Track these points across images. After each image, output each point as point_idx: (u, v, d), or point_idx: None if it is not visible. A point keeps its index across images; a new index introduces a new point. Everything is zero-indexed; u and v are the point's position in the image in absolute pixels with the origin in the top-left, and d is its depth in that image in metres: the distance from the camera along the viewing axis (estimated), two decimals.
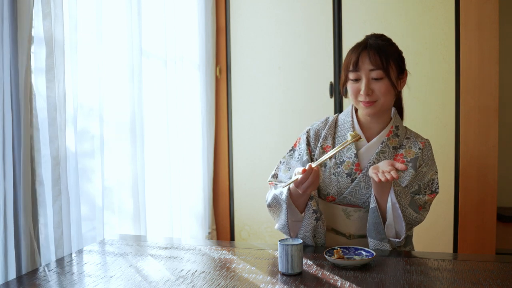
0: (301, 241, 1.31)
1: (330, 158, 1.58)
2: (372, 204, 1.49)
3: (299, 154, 1.64)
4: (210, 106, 2.84)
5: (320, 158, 1.50)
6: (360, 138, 1.50)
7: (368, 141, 1.58)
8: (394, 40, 2.72)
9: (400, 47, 2.68)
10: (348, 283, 1.22)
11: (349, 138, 1.51)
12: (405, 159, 1.54)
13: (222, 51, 2.93)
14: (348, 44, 2.70)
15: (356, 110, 1.63)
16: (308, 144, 1.63)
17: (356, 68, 1.50)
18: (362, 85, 1.50)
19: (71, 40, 1.65)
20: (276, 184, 1.62)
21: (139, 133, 2.10)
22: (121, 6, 2.01)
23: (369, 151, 1.57)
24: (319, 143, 1.62)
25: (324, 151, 1.61)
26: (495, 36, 2.48)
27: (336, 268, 1.34)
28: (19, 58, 1.36)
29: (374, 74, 1.49)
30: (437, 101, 2.61)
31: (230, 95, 2.93)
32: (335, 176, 1.57)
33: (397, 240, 1.49)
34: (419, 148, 1.56)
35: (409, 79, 2.62)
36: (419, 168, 1.55)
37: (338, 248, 1.40)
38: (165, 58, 2.40)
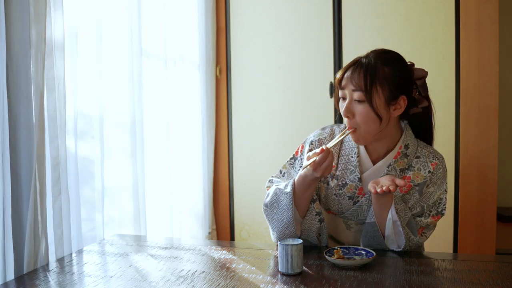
0: (301, 241, 1.31)
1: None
2: (371, 219, 1.44)
3: (301, 166, 1.54)
4: (210, 106, 2.84)
5: (330, 142, 1.40)
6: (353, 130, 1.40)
7: (374, 163, 1.47)
8: (394, 40, 2.73)
9: (400, 47, 2.68)
10: (348, 283, 1.22)
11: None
12: (412, 183, 1.44)
13: (222, 51, 2.93)
14: (348, 44, 2.71)
15: None
16: None
17: (341, 86, 1.41)
18: (345, 105, 1.39)
19: (71, 40, 1.65)
20: (277, 183, 1.55)
21: (139, 133, 2.10)
22: (121, 6, 2.01)
23: (374, 175, 1.46)
24: None
25: None
26: (495, 36, 2.48)
27: (336, 268, 1.34)
28: (20, 58, 1.36)
29: (356, 95, 1.37)
30: (437, 101, 2.59)
31: (230, 95, 2.93)
32: (336, 197, 1.50)
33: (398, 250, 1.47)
34: (429, 171, 1.45)
35: None
36: (426, 189, 1.46)
37: (338, 248, 1.40)
38: (165, 58, 2.40)
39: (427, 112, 1.52)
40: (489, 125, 2.52)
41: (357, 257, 1.39)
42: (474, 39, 2.52)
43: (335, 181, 1.50)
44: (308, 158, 1.35)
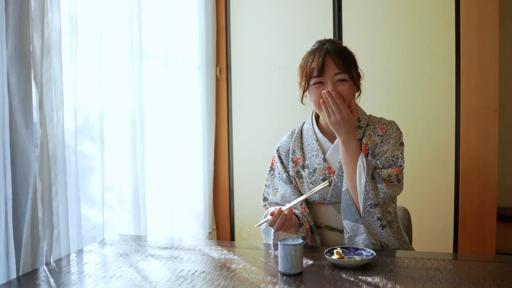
0: (301, 241, 1.31)
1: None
2: (344, 186, 1.54)
3: (279, 173, 1.69)
4: (210, 106, 2.84)
5: (293, 201, 1.54)
6: (327, 183, 1.53)
7: (332, 142, 1.62)
8: (394, 40, 2.75)
9: (400, 47, 2.70)
10: (348, 283, 1.22)
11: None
12: (367, 147, 1.58)
13: (222, 51, 2.93)
14: (348, 44, 2.69)
15: (317, 117, 1.68)
16: (281, 162, 1.69)
17: (321, 73, 1.54)
18: (329, 88, 1.52)
19: (71, 39, 1.65)
20: (272, 205, 1.69)
21: (139, 133, 2.10)
22: (121, 6, 2.01)
23: (335, 152, 1.61)
24: (290, 158, 1.67)
25: (295, 163, 1.66)
26: (495, 36, 2.48)
27: (336, 268, 1.34)
28: (21, 58, 1.36)
29: (339, 77, 1.54)
30: (437, 101, 2.61)
31: (230, 95, 2.93)
32: (313, 184, 1.62)
33: (368, 208, 1.50)
34: (378, 135, 1.60)
35: (410, 78, 2.63)
36: (378, 149, 1.58)
37: (338, 248, 1.40)
38: (165, 58, 2.40)
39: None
40: (489, 125, 2.52)
41: (357, 257, 1.39)
42: (474, 39, 2.52)
43: (306, 170, 1.63)
44: (269, 214, 1.49)
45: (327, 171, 1.60)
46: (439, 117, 2.61)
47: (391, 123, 1.63)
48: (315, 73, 1.54)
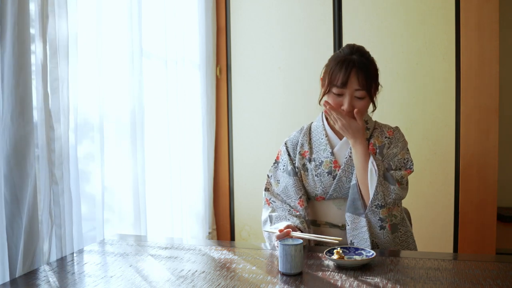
0: (301, 241, 1.31)
1: (312, 160, 1.68)
2: (353, 181, 1.59)
3: (283, 166, 1.74)
4: (210, 106, 2.84)
5: (303, 235, 1.51)
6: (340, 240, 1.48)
7: (341, 139, 1.69)
8: (394, 40, 2.75)
9: (400, 47, 2.70)
10: (348, 283, 1.22)
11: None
12: (374, 147, 1.65)
13: (222, 51, 2.93)
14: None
15: (327, 117, 1.71)
16: (288, 154, 1.74)
17: (344, 86, 1.58)
18: (346, 101, 1.59)
19: (72, 40, 1.65)
20: (273, 203, 1.72)
21: (139, 133, 2.10)
22: (121, 6, 2.01)
23: (344, 148, 1.67)
24: (297, 151, 1.72)
25: (302, 156, 1.71)
26: (495, 36, 2.48)
27: (336, 268, 1.34)
28: (20, 58, 1.36)
29: (358, 94, 1.58)
30: (437, 101, 2.61)
31: (230, 95, 2.93)
32: (317, 177, 1.67)
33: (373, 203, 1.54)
34: (386, 137, 1.68)
35: (410, 78, 2.63)
36: (387, 150, 1.65)
37: (338, 248, 1.40)
38: (166, 58, 2.40)
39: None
40: (489, 125, 2.52)
41: (357, 257, 1.39)
42: (474, 39, 2.52)
43: (313, 163, 1.69)
44: (277, 228, 1.53)
45: (333, 165, 1.66)
46: (439, 117, 2.61)
47: (397, 128, 1.71)
48: (338, 84, 1.59)
